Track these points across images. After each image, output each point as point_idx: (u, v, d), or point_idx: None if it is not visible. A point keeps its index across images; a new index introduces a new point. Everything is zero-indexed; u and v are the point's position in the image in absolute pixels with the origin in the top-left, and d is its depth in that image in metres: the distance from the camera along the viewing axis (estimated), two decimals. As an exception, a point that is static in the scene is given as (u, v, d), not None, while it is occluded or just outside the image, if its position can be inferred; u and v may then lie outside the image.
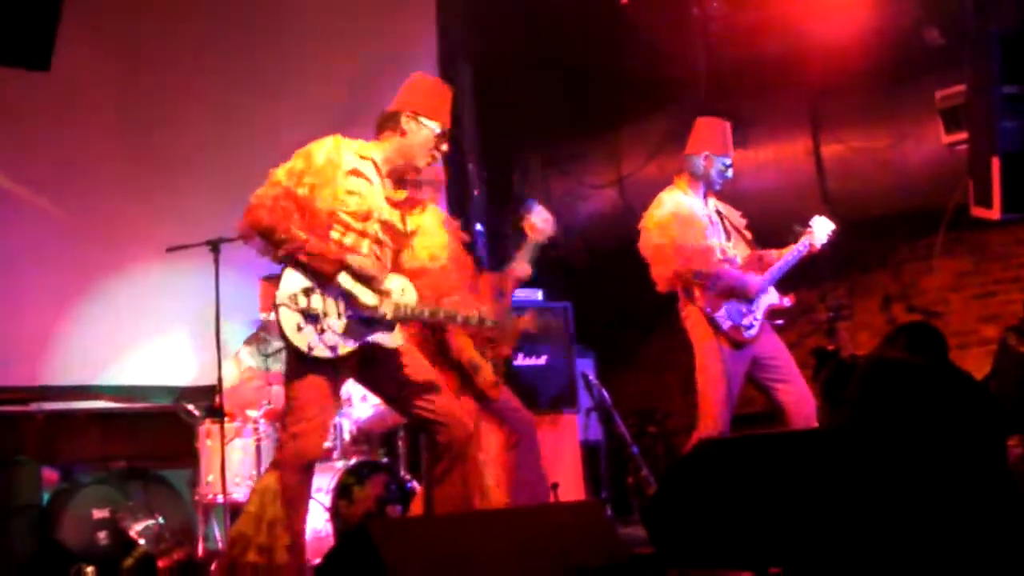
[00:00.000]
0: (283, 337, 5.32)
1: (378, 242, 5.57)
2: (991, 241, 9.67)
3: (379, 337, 5.46)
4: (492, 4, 10.88)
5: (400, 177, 5.74)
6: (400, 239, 5.69)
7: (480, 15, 10.89)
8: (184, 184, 9.11)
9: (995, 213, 7.56)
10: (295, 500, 5.34)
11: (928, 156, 9.15)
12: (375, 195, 5.56)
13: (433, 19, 10.90)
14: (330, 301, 5.34)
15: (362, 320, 5.40)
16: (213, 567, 7.00)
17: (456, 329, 6.71)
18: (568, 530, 4.63)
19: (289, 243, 5.26)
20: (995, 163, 7.40)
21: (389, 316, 5.45)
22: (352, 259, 5.35)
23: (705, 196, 7.52)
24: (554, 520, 4.74)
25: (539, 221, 7.15)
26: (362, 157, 5.57)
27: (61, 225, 8.73)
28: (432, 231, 5.84)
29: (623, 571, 4.62)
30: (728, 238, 7.51)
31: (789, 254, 7.50)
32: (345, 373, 5.55)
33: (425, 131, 5.67)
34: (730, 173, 7.55)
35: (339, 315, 5.35)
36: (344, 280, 5.35)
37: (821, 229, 7.54)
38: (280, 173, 5.39)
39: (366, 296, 5.40)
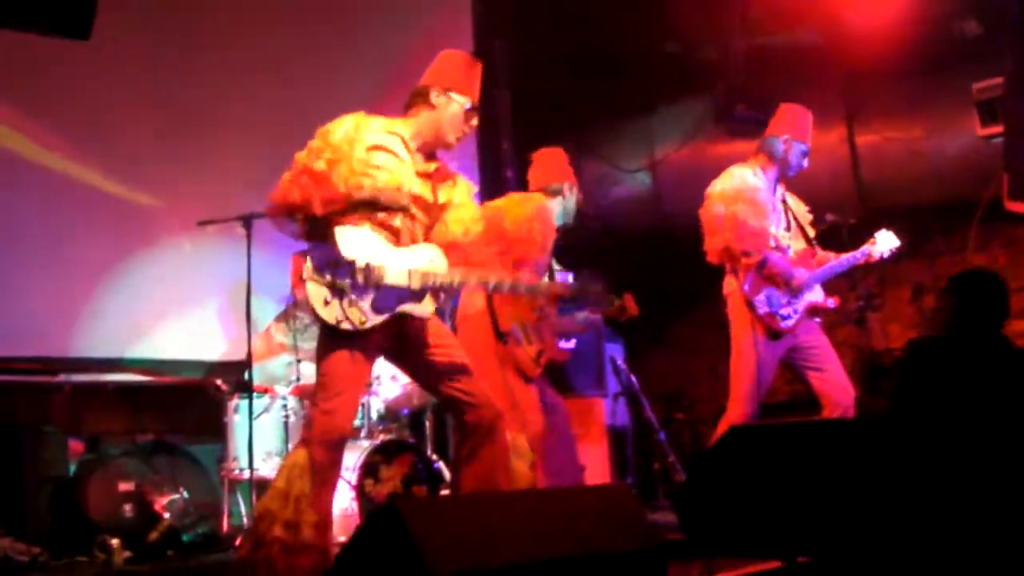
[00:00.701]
0: (311, 311, 5.32)
1: (411, 216, 5.56)
2: (1020, 236, 9.60)
3: (408, 307, 5.45)
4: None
5: (430, 151, 5.73)
6: (432, 212, 5.67)
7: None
8: (218, 158, 9.10)
9: (1031, 207, 7.53)
10: (323, 477, 5.33)
11: (963, 148, 9.10)
12: (404, 169, 5.54)
13: (469, -2, 10.90)
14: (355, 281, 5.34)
15: (389, 292, 5.39)
16: (238, 542, 7.01)
17: (503, 301, 6.71)
18: (598, 513, 4.60)
19: (323, 206, 5.28)
20: (1033, 155, 7.37)
21: (416, 286, 5.43)
22: (375, 185, 5.39)
23: (777, 181, 7.49)
24: (584, 503, 4.71)
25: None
26: (389, 132, 5.56)
27: (94, 196, 8.72)
28: (464, 204, 5.80)
29: (653, 556, 4.60)
30: (788, 228, 7.48)
31: (844, 258, 7.49)
32: (375, 349, 5.52)
33: (455, 105, 5.67)
34: (806, 162, 7.50)
35: (366, 287, 5.34)
36: (370, 254, 5.34)
37: (885, 243, 7.54)
38: (303, 152, 5.39)
39: (393, 269, 5.39)
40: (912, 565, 4.09)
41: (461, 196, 5.81)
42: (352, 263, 5.30)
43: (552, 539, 4.35)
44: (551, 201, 7.24)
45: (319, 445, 5.31)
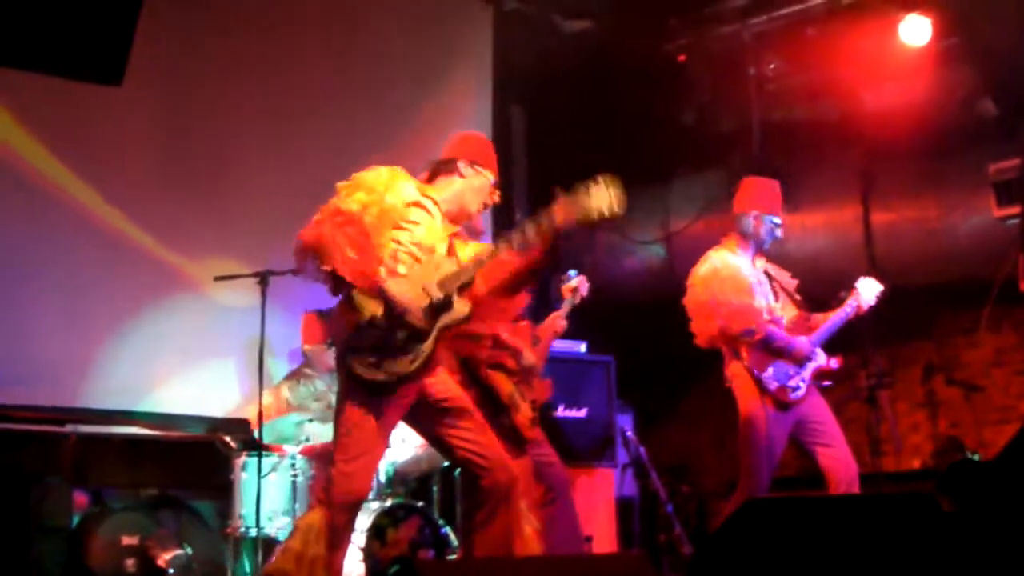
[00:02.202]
0: (343, 366, 5.29)
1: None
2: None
3: (446, 318, 5.40)
4: (548, 53, 10.90)
5: (452, 220, 5.73)
6: None
7: (536, 63, 10.91)
8: (237, 214, 9.12)
9: (1046, 289, 7.53)
10: (338, 540, 5.30)
11: (977, 228, 9.12)
12: (436, 230, 5.54)
13: (489, 63, 10.93)
14: (386, 330, 5.30)
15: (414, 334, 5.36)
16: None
17: (496, 377, 6.67)
18: (615, 582, 4.58)
19: (333, 265, 5.23)
20: (1049, 239, 7.38)
21: (439, 295, 5.37)
22: (390, 284, 5.29)
23: (754, 256, 7.50)
24: (602, 570, 4.69)
25: (577, 284, 7.39)
26: (423, 194, 5.57)
27: (111, 247, 8.70)
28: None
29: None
30: (776, 299, 7.48)
31: (836, 316, 7.47)
32: (397, 408, 5.47)
33: (481, 178, 5.71)
34: (779, 232, 7.53)
35: (392, 337, 5.30)
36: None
37: (868, 291, 7.50)
38: (335, 199, 5.35)
39: (411, 297, 5.32)
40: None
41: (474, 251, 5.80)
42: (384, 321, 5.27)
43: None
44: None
45: (337, 507, 5.28)
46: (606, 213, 5.36)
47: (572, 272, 7.52)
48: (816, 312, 7.56)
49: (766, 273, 7.54)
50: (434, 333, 5.35)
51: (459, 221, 5.79)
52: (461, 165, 5.69)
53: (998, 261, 8.34)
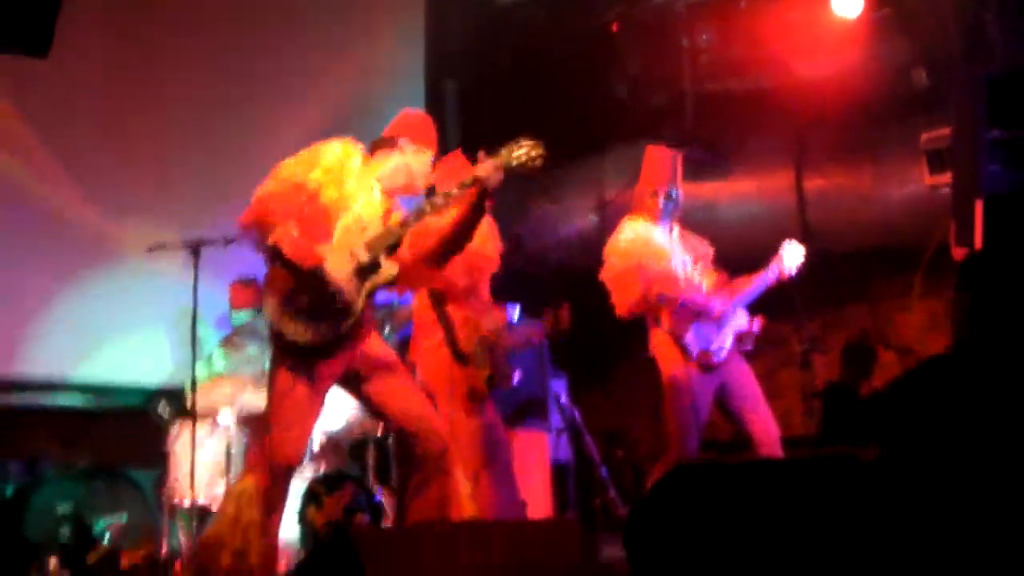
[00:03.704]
0: (274, 332, 5.30)
1: None
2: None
3: (373, 281, 5.43)
4: (480, 24, 10.90)
5: (393, 195, 5.76)
6: None
7: (468, 34, 10.92)
8: (169, 181, 9.07)
9: (976, 255, 7.59)
10: (273, 505, 5.32)
11: (910, 195, 9.17)
12: (375, 207, 5.57)
13: (422, 37, 10.90)
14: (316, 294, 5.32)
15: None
16: (177, 568, 6.96)
17: (461, 324, 6.69)
18: (548, 547, 4.61)
19: (277, 237, 5.24)
20: (978, 205, 7.43)
21: (367, 259, 5.41)
22: (329, 264, 5.33)
23: (668, 226, 7.53)
24: (535, 536, 4.73)
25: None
26: (365, 174, 5.60)
27: (41, 217, 8.64)
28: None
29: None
30: (694, 266, 7.52)
31: (757, 279, 7.51)
32: (329, 375, 5.49)
33: (422, 156, 5.76)
34: (678, 202, 7.52)
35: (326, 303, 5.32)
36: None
37: (791, 255, 7.55)
38: (287, 168, 5.38)
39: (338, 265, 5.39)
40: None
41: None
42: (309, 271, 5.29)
43: (502, 572, 4.35)
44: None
45: (270, 473, 5.29)
46: (526, 163, 5.44)
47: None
48: (738, 277, 7.61)
49: (682, 241, 7.57)
50: (363, 295, 5.38)
51: (409, 192, 5.86)
52: (402, 142, 5.74)
53: (930, 228, 8.41)
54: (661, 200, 7.43)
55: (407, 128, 5.84)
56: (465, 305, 6.70)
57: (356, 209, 5.49)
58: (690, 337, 7.21)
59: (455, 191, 5.50)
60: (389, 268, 5.48)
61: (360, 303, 5.37)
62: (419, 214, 5.57)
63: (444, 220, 5.63)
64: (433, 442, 5.57)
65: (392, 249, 5.53)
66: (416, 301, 6.82)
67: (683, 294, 7.22)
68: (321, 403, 5.60)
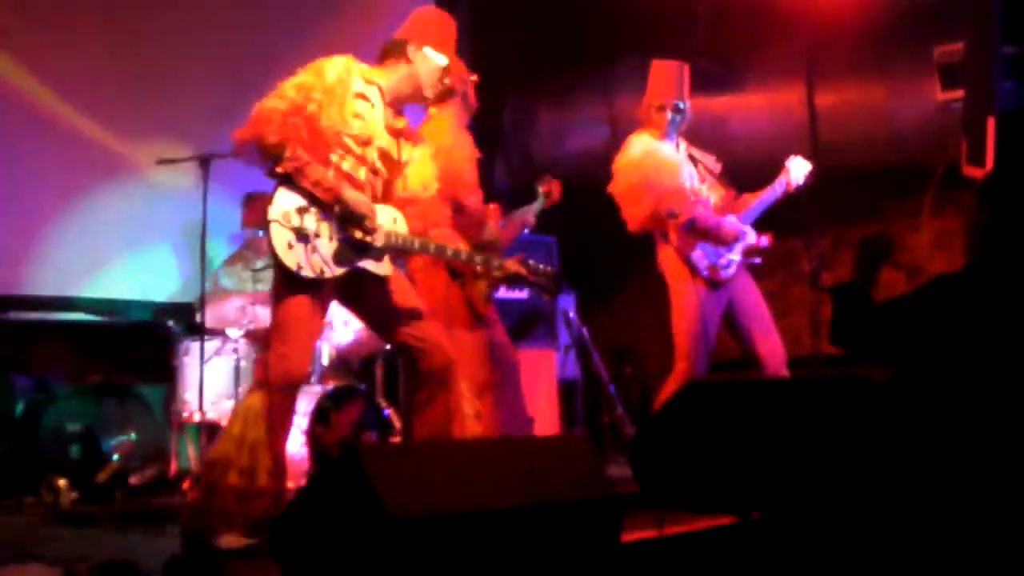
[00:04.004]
0: (272, 254, 5.27)
1: (374, 170, 5.53)
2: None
3: (368, 264, 5.44)
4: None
5: (402, 105, 5.70)
6: (394, 168, 5.66)
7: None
8: (178, 94, 8.97)
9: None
10: (279, 422, 5.32)
11: (922, 112, 9.11)
12: (377, 121, 5.52)
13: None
14: (323, 223, 5.30)
15: (352, 245, 5.36)
16: (187, 485, 6.98)
17: (456, 237, 6.68)
18: (555, 463, 4.61)
19: (291, 162, 5.20)
20: (990, 122, 7.37)
21: (379, 244, 5.42)
22: (348, 194, 5.30)
23: (674, 139, 7.48)
24: (542, 452, 4.73)
25: (552, 187, 7.51)
26: (368, 82, 5.53)
27: (49, 131, 8.57)
28: (424, 161, 5.80)
29: (609, 507, 4.61)
30: (702, 181, 7.48)
31: (765, 194, 7.48)
32: (331, 295, 5.52)
33: (432, 63, 5.66)
34: (686, 116, 7.47)
35: (330, 237, 5.32)
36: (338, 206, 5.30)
37: (797, 169, 7.51)
38: (289, 87, 5.31)
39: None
40: (870, 525, 4.07)
41: (422, 154, 5.79)
42: (336, 201, 5.26)
43: (510, 487, 4.35)
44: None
45: (275, 389, 5.29)
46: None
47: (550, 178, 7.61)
48: (746, 192, 7.57)
49: (690, 156, 7.52)
50: (352, 268, 5.43)
51: (414, 101, 5.79)
52: (410, 49, 5.64)
53: (943, 145, 8.34)
54: (668, 114, 7.37)
55: (418, 31, 5.70)
56: (451, 223, 6.66)
57: (357, 126, 5.43)
58: (697, 254, 7.19)
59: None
60: (383, 268, 5.55)
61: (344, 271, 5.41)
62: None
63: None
64: (437, 357, 5.56)
65: (401, 250, 5.65)
66: None
67: (694, 212, 7.17)
68: (322, 319, 5.60)
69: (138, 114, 8.85)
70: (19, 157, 8.41)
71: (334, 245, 5.32)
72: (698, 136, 7.64)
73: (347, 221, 5.32)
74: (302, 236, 5.24)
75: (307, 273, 5.26)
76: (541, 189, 7.47)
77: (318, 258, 5.27)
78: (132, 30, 8.93)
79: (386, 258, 5.51)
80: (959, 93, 8.43)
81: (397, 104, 5.66)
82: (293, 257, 5.24)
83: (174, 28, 9.07)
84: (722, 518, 5.08)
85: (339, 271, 5.35)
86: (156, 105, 8.86)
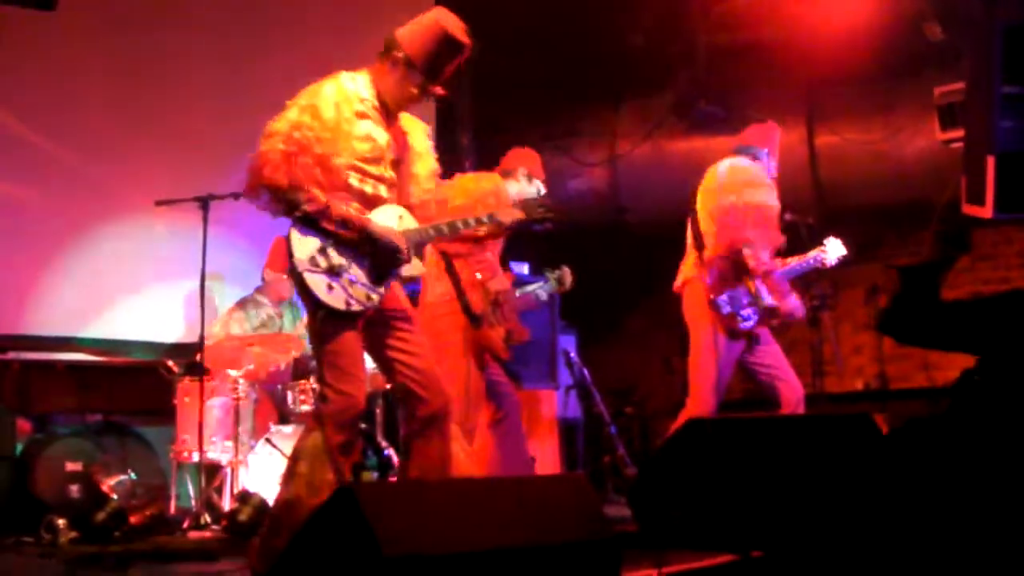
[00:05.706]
0: (314, 301, 5.21)
1: (391, 184, 5.48)
2: (981, 240, 9.64)
3: (405, 270, 5.42)
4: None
5: (397, 105, 5.57)
6: (396, 168, 5.58)
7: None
8: (178, 138, 9.01)
9: (987, 212, 7.47)
10: (343, 458, 5.27)
11: (922, 151, 9.16)
12: (381, 134, 5.43)
13: (433, -15, 10.81)
14: (345, 252, 5.27)
15: (381, 261, 5.34)
16: (185, 523, 6.98)
17: (472, 285, 6.67)
18: (553, 503, 4.59)
19: (312, 205, 5.16)
20: (990, 162, 7.36)
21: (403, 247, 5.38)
22: (375, 228, 5.28)
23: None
24: (540, 492, 4.70)
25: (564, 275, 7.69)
26: (361, 100, 5.45)
27: (51, 171, 8.61)
28: (426, 153, 5.73)
29: (607, 547, 4.59)
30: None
31: (798, 263, 7.50)
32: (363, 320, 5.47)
33: (412, 76, 5.44)
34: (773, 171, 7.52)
35: (359, 264, 5.28)
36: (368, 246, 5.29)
37: (834, 251, 7.55)
38: (284, 126, 5.24)
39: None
40: (870, 565, 4.05)
41: (421, 143, 5.73)
42: (357, 235, 5.25)
43: (508, 527, 4.33)
44: (507, 182, 7.21)
45: (337, 426, 5.22)
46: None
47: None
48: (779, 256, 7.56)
49: None
50: (393, 280, 5.41)
51: (407, 102, 5.56)
52: (402, 59, 5.45)
53: (943, 184, 8.34)
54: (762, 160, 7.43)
55: (413, 42, 5.44)
56: (471, 265, 6.67)
57: (367, 150, 5.37)
58: (724, 298, 7.16)
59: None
60: (415, 267, 5.48)
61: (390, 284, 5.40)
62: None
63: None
64: (435, 401, 5.51)
65: (419, 248, 5.54)
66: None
67: (769, 264, 7.19)
68: (363, 345, 5.54)
69: (137, 155, 8.87)
70: (21, 199, 8.42)
71: (365, 268, 5.31)
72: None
73: (380, 258, 5.31)
74: (334, 274, 5.22)
75: (357, 308, 5.25)
76: (551, 277, 7.58)
77: (360, 288, 5.25)
78: (131, 70, 8.96)
79: (415, 260, 5.49)
80: (959, 132, 8.44)
81: (393, 106, 5.58)
82: (338, 298, 5.21)
83: (172, 68, 9.11)
84: (722, 556, 5.06)
85: (382, 289, 5.33)
86: (155, 146, 8.89)
